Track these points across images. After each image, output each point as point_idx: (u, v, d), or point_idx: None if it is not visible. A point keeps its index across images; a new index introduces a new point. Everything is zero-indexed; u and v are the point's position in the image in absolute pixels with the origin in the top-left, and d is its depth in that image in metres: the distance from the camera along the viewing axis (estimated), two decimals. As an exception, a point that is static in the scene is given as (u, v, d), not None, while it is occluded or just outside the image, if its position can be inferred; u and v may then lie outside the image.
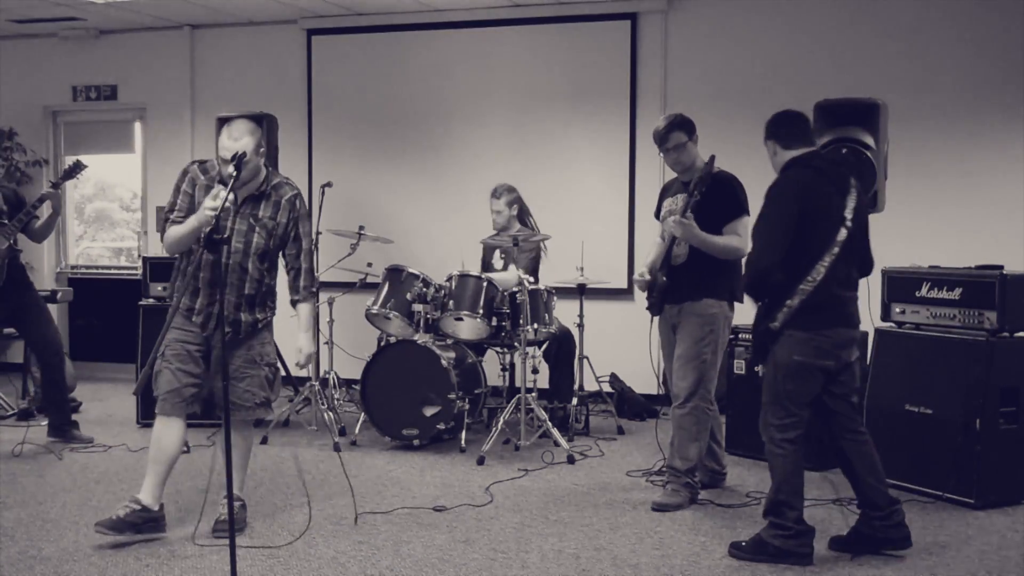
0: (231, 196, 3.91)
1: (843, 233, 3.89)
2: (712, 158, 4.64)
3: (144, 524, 4.12)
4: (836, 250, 3.87)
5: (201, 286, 4.14)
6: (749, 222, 4.66)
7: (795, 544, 3.91)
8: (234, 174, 3.91)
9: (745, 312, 5.01)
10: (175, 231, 4.11)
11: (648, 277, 4.92)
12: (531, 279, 6.03)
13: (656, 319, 4.99)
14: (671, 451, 4.82)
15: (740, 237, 4.65)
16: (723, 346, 4.82)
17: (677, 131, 4.78)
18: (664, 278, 4.78)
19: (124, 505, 4.12)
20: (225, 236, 3.91)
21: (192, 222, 4.02)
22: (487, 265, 6.59)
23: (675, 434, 4.78)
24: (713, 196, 4.64)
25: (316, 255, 6.62)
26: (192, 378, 4.17)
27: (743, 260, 4.33)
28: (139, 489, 4.18)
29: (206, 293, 4.14)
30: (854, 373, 4.08)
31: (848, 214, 3.92)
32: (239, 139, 4.01)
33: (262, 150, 4.13)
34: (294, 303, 4.32)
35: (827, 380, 3.98)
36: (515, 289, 5.91)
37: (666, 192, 5.06)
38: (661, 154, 4.89)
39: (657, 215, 5.11)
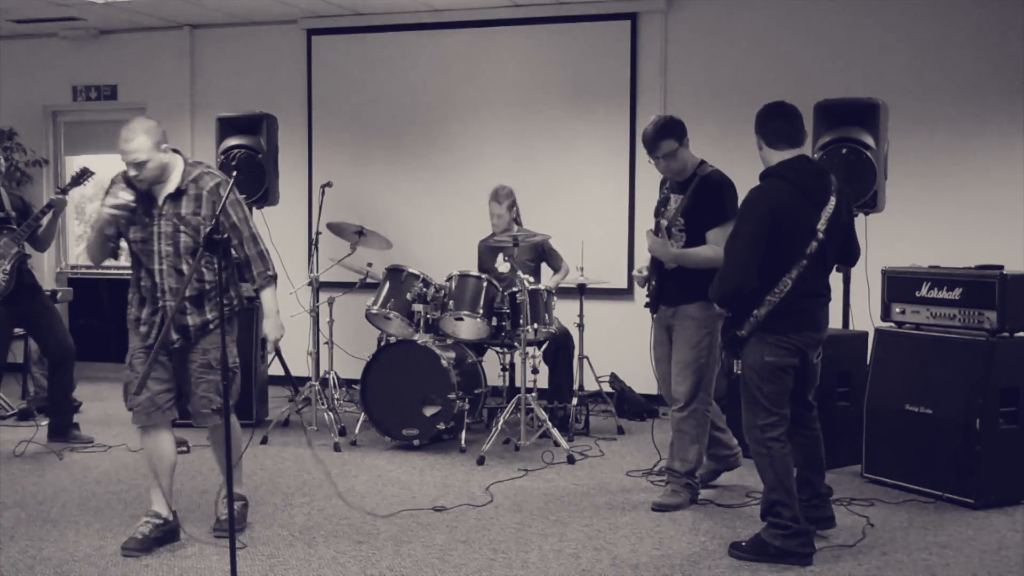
0: (130, 197, 3.90)
1: (813, 246, 3.89)
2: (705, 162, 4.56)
3: (165, 536, 4.12)
4: (804, 262, 3.88)
5: (145, 295, 4.06)
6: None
7: (795, 543, 3.92)
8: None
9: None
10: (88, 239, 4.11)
11: (644, 273, 4.91)
12: (531, 279, 6.02)
13: (638, 318, 5.00)
14: (670, 453, 4.81)
15: (717, 247, 4.46)
16: (720, 347, 4.80)
17: (667, 139, 4.63)
18: (654, 282, 4.77)
19: (144, 522, 4.09)
20: (225, 236, 3.87)
21: (95, 225, 4.01)
22: (488, 267, 6.57)
23: (674, 437, 4.77)
24: (701, 199, 4.60)
25: (317, 255, 6.66)
26: (163, 384, 4.08)
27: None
28: (150, 501, 4.19)
29: (150, 302, 4.04)
30: (815, 372, 4.15)
31: (821, 226, 3.90)
32: (131, 140, 3.89)
33: (164, 145, 3.95)
34: (255, 291, 4.18)
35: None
36: (515, 289, 5.91)
37: (662, 185, 4.96)
38: (651, 161, 4.75)
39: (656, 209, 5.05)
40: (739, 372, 4.10)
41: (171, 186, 3.99)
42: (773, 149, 4.01)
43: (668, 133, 4.65)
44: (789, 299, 3.89)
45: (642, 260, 7.40)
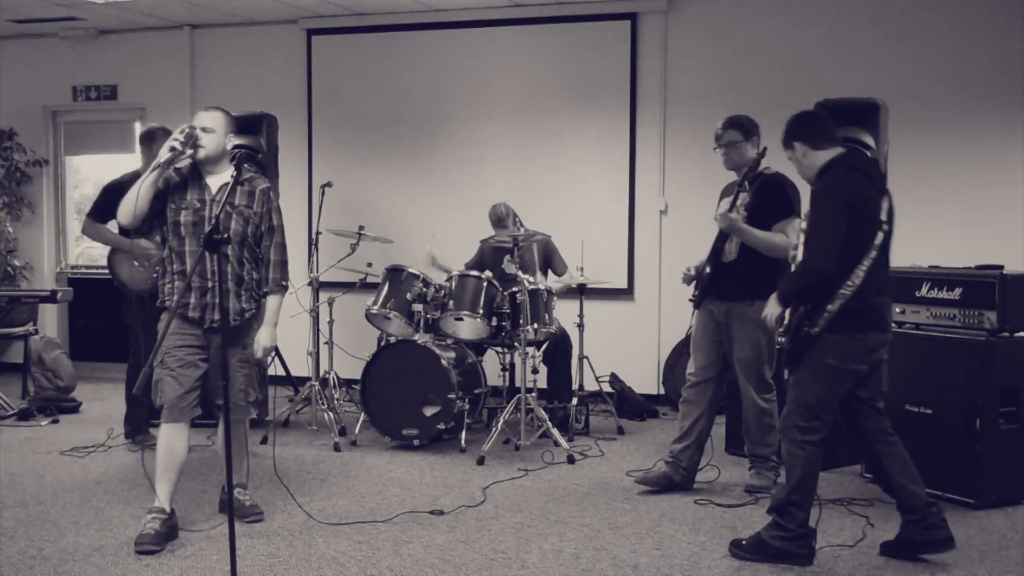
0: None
1: (880, 237, 3.84)
2: (763, 150, 4.64)
3: (171, 532, 4.15)
4: (873, 254, 3.82)
5: (188, 279, 4.12)
6: (799, 224, 4.70)
7: (796, 545, 3.90)
8: (235, 175, 4.01)
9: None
10: (132, 189, 4.12)
11: (693, 272, 4.95)
12: (531, 279, 6.02)
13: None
14: (750, 439, 4.97)
15: (786, 236, 4.69)
16: (775, 344, 4.93)
17: (731, 129, 4.86)
18: (708, 269, 4.79)
19: (152, 518, 4.11)
20: (225, 236, 3.91)
21: (146, 176, 4.07)
22: (494, 267, 6.57)
23: (752, 424, 4.91)
24: (764, 196, 4.70)
25: (317, 255, 6.66)
26: (195, 382, 4.18)
27: (794, 262, 4.26)
28: (153, 497, 4.19)
29: (197, 286, 4.13)
30: (881, 377, 4.03)
31: (884, 216, 3.87)
32: (210, 110, 4.24)
33: (231, 136, 4.25)
34: (263, 295, 4.32)
35: (855, 384, 3.93)
36: (515, 289, 5.91)
37: (724, 194, 5.09)
38: (716, 149, 4.93)
39: None
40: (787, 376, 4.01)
41: (226, 176, 4.17)
42: (819, 150, 3.98)
43: (734, 126, 4.88)
44: (859, 295, 3.79)
45: (642, 260, 7.46)
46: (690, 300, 5.02)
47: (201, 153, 4.15)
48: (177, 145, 4.04)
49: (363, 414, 6.02)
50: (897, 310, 5.13)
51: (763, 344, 4.81)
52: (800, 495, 3.89)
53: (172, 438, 4.16)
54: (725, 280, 4.79)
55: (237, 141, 4.30)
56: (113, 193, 6.01)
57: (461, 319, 5.98)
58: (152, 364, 4.02)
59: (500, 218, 6.67)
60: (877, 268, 3.85)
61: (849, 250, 3.80)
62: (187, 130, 4.11)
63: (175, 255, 4.19)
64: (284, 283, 4.35)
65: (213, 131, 4.18)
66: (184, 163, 4.18)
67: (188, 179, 4.21)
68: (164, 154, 4.05)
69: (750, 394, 4.87)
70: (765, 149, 4.68)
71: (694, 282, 4.97)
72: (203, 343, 4.20)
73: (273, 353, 6.91)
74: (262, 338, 4.28)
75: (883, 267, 3.91)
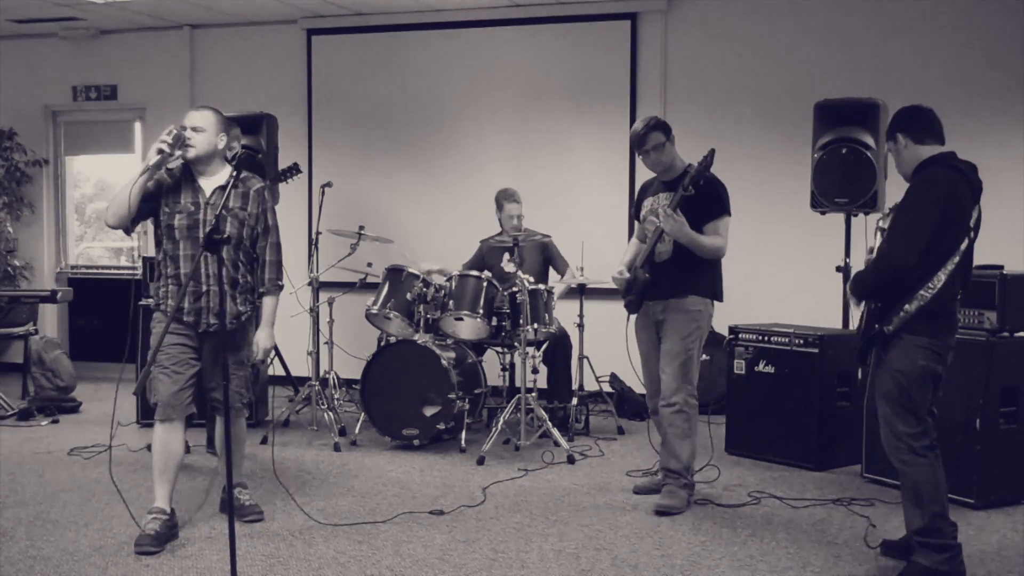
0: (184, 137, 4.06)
1: (965, 243, 3.73)
2: (711, 152, 4.63)
3: (171, 531, 4.15)
4: (957, 259, 3.69)
5: (184, 282, 4.11)
6: (730, 222, 4.71)
7: (958, 564, 3.71)
8: (234, 175, 3.99)
9: (724, 310, 5.01)
10: (124, 187, 4.07)
11: (627, 275, 4.89)
12: (531, 279, 6.02)
13: (634, 317, 4.97)
14: (663, 453, 4.80)
15: (721, 237, 4.67)
16: (703, 341, 4.80)
17: (655, 131, 4.77)
18: (647, 275, 4.76)
19: (152, 518, 4.10)
20: (225, 236, 3.91)
21: (136, 177, 4.02)
22: (491, 266, 6.57)
23: (666, 433, 4.74)
24: (695, 195, 4.64)
25: (317, 255, 6.66)
26: (189, 380, 4.17)
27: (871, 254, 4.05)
28: (152, 497, 4.19)
29: (192, 289, 4.11)
30: (941, 384, 3.92)
31: (972, 224, 3.75)
32: (201, 109, 4.22)
33: (222, 135, 4.20)
34: (259, 295, 4.31)
35: None
36: (515, 289, 5.91)
37: (645, 192, 5.04)
38: (640, 156, 4.86)
39: (637, 216, 5.08)
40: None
41: (220, 179, 4.17)
42: (921, 145, 3.88)
43: (656, 128, 4.80)
44: (939, 298, 3.66)
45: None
46: (625, 307, 4.94)
47: (191, 153, 4.11)
48: (165, 147, 3.99)
49: (363, 414, 6.02)
50: (897, 310, 5.12)
51: (693, 336, 4.68)
52: (940, 506, 3.71)
53: (168, 438, 4.15)
54: (660, 279, 4.72)
55: (225, 141, 4.22)
56: None
57: (461, 319, 5.99)
58: (149, 365, 4.03)
59: (510, 194, 6.61)
60: (959, 274, 3.71)
61: (935, 251, 3.66)
62: (175, 131, 4.05)
63: (169, 259, 4.17)
64: (280, 283, 4.35)
65: (203, 130, 4.14)
66: (175, 164, 4.14)
67: (181, 181, 4.18)
68: (152, 156, 4.00)
69: (671, 393, 4.66)
70: (713, 151, 4.65)
71: (627, 285, 4.85)
72: (196, 343, 4.19)
73: (272, 353, 6.93)
74: (261, 339, 4.28)
75: (962, 275, 3.75)
